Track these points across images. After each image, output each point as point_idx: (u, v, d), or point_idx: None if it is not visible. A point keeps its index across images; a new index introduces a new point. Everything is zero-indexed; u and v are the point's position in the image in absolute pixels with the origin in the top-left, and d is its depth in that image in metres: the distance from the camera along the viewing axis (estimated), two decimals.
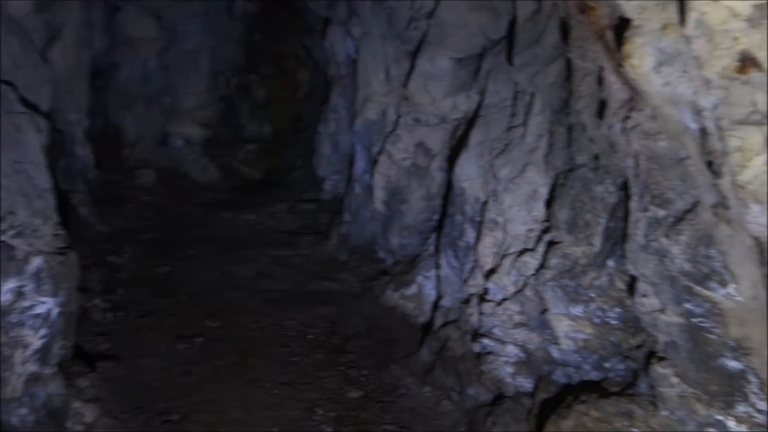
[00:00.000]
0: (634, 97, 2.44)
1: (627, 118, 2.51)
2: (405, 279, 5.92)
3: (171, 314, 5.75)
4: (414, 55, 5.61)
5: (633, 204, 2.77)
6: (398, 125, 6.07)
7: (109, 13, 9.19)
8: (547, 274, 3.66)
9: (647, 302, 2.88)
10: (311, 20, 9.40)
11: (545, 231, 3.79)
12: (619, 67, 2.36)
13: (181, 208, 8.78)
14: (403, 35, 5.84)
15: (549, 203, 3.78)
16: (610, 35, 2.39)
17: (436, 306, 5.35)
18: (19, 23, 4.12)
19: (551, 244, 3.67)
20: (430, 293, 5.55)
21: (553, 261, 3.61)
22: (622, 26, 2.25)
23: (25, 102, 4.01)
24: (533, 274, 3.88)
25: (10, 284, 3.38)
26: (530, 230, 3.96)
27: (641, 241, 2.71)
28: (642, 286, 2.88)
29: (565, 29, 3.15)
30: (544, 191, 3.84)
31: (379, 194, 6.35)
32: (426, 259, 5.73)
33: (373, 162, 6.49)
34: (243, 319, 5.79)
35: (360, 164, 7.04)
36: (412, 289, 5.76)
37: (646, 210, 2.64)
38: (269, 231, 8.13)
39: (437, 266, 5.34)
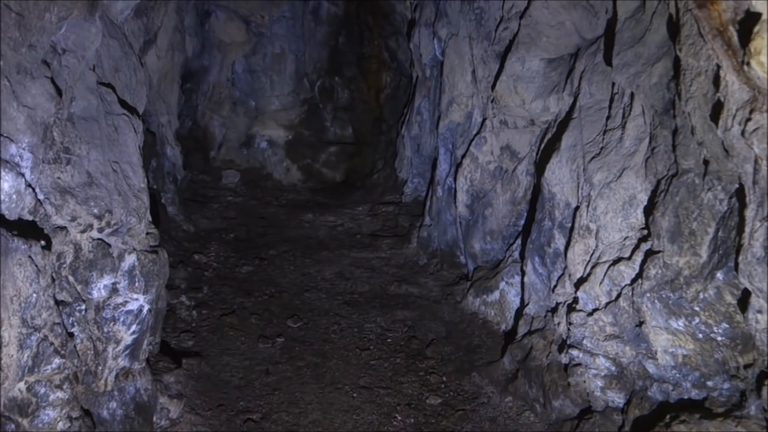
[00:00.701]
0: (758, 97, 2.24)
1: (747, 120, 2.31)
2: (487, 285, 5.78)
3: (253, 313, 5.83)
4: (503, 56, 5.47)
5: (749, 213, 2.55)
6: (484, 128, 5.94)
7: (200, 18, 9.45)
8: (645, 284, 3.45)
9: (762, 319, 2.65)
10: (396, 22, 9.39)
11: (643, 239, 3.58)
12: (741, 65, 2.17)
13: (264, 208, 8.91)
14: (492, 36, 5.70)
15: (648, 210, 3.57)
16: (732, 31, 2.20)
17: (519, 313, 5.19)
18: (120, 27, 4.23)
19: (650, 253, 3.46)
20: (514, 300, 5.40)
21: (653, 271, 3.40)
22: (748, 21, 2.07)
23: (124, 104, 4.12)
24: (629, 284, 3.68)
25: (105, 281, 3.46)
26: (626, 238, 3.76)
27: (759, 252, 2.50)
28: (757, 302, 2.65)
29: (674, 26, 2.95)
30: (642, 197, 3.63)
31: (462, 198, 6.22)
32: (510, 265, 5.57)
33: (456, 165, 6.38)
34: (323, 320, 5.80)
35: (443, 167, 6.94)
36: (495, 296, 5.62)
37: (765, 219, 2.43)
38: (349, 233, 8.14)
39: (522, 273, 5.18)
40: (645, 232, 3.58)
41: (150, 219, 4.08)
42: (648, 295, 3.41)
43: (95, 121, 3.62)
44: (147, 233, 3.83)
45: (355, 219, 8.52)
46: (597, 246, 3.96)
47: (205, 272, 6.75)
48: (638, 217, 3.67)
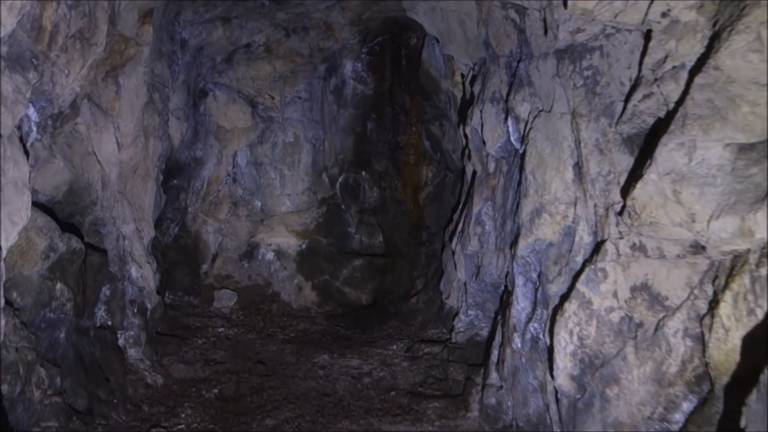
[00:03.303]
0: None
1: None
2: None
3: None
4: (645, 142, 3.31)
5: None
6: (602, 254, 3.71)
7: (192, 97, 7.54)
8: None
9: None
10: (440, 103, 7.40)
11: None
12: None
13: (265, 345, 6.64)
14: (616, 110, 3.58)
15: None
16: None
17: None
18: None
19: None
20: None
21: None
22: None
23: None
24: None
25: None
26: None
27: None
28: None
29: None
30: None
31: (565, 363, 3.91)
32: None
33: (554, 309, 4.11)
34: None
35: (521, 305, 4.68)
36: None
37: None
38: (380, 387, 5.80)
39: None
40: None
41: None
42: None
43: None
44: None
45: (388, 364, 6.20)
46: None
47: None
48: None
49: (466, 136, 5.86)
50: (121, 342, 5.62)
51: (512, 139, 4.75)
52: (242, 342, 6.68)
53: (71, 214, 4.94)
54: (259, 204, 8.11)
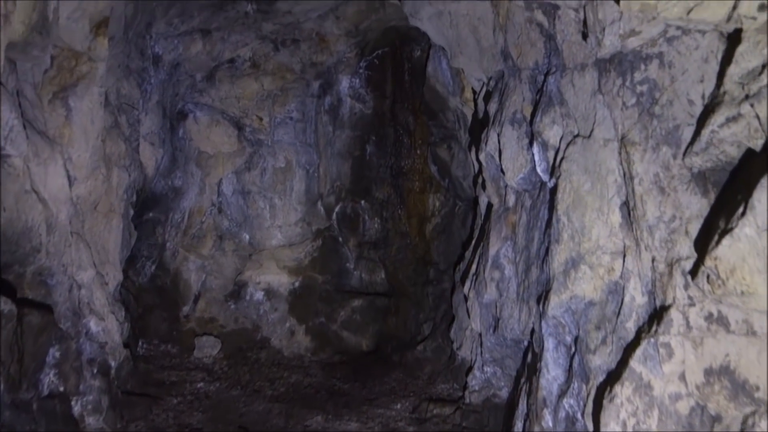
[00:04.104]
0: None
1: None
2: None
3: None
4: (731, 179, 2.46)
5: None
6: (665, 324, 2.84)
7: (169, 120, 6.72)
8: None
9: None
10: (448, 123, 6.56)
11: None
12: None
13: (250, 404, 5.75)
14: (681, 135, 2.72)
15: None
16: None
17: None
18: None
19: None
20: None
21: None
22: None
23: None
24: None
25: None
26: None
27: None
28: None
29: None
30: None
31: None
32: None
33: (598, 389, 3.23)
34: None
35: (553, 374, 3.80)
36: None
37: None
38: None
39: None
40: None
41: None
42: None
43: None
44: None
45: (392, 429, 5.30)
46: None
47: None
48: None
49: (479, 162, 5.01)
50: (77, 410, 4.76)
51: (538, 169, 3.89)
52: (224, 400, 5.79)
53: (7, 265, 4.12)
54: (247, 237, 7.26)
